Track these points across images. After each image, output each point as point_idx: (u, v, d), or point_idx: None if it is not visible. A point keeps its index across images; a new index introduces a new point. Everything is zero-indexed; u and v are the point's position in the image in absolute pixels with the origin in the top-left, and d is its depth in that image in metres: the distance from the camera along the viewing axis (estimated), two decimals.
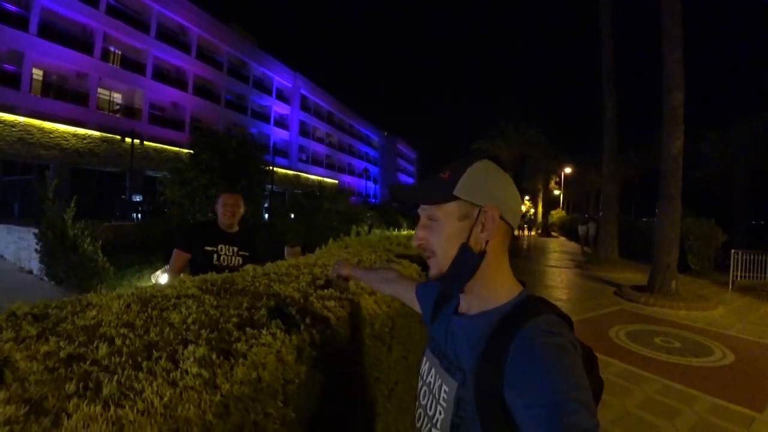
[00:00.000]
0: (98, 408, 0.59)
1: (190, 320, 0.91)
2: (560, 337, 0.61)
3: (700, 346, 5.06)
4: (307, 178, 34.88)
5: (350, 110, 53.48)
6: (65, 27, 20.01)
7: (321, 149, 45.42)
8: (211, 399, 0.70)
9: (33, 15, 18.28)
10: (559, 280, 9.98)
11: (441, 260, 0.71)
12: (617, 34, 12.06)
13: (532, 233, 31.66)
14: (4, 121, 16.22)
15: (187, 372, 0.72)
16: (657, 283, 7.82)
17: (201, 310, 0.98)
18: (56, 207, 7.13)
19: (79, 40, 20.43)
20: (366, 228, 14.31)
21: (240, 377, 0.77)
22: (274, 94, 36.78)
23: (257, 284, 1.34)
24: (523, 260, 14.00)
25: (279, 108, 37.78)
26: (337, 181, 35.52)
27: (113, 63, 22.49)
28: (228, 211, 2.56)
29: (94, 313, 0.90)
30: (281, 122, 38.42)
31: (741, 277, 9.41)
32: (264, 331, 0.91)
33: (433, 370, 0.78)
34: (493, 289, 0.72)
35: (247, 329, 0.90)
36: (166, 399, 0.65)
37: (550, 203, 38.55)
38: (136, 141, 18.07)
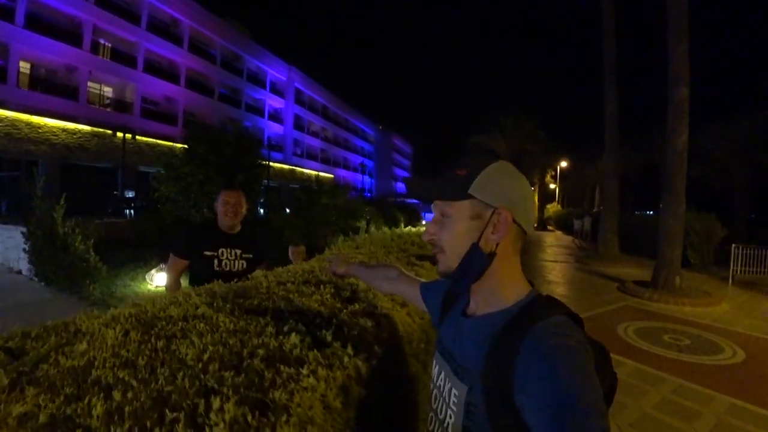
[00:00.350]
0: None
1: (206, 356, 0.72)
2: (570, 339, 0.60)
3: (710, 344, 5.01)
4: (302, 173, 34.55)
5: (345, 104, 53.03)
6: (53, 18, 19.43)
7: (316, 143, 45.00)
8: None
9: (19, 6, 17.72)
10: (561, 276, 9.88)
11: (449, 257, 0.71)
12: (619, 30, 11.90)
13: None
14: None
15: None
16: (661, 279, 7.74)
17: (217, 338, 0.80)
18: (45, 204, 6.84)
19: (68, 32, 19.88)
20: (364, 223, 14.14)
21: None
22: (268, 88, 36.27)
23: (275, 298, 1.16)
24: (522, 255, 13.88)
25: (273, 102, 37.31)
26: (332, 176, 35.25)
27: (103, 56, 21.94)
28: (230, 210, 2.31)
29: (84, 346, 0.71)
30: (276, 116, 37.96)
31: (741, 271, 9.38)
32: (303, 370, 0.73)
33: (443, 374, 0.76)
34: (502, 290, 0.71)
35: (281, 367, 0.72)
36: None
37: (547, 197, 38.56)
38: (128, 135, 17.67)
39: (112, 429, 0.51)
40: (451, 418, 0.70)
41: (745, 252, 9.44)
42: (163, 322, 0.88)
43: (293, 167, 34.75)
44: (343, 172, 49.23)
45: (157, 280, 7.31)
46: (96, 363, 0.67)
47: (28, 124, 16.69)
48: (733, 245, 9.47)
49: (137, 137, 19.39)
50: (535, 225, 32.27)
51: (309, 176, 27.73)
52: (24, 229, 7.32)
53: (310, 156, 43.16)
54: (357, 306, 1.16)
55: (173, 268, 2.30)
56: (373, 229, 13.80)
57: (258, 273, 1.90)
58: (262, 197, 13.98)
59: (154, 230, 9.86)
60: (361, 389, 0.80)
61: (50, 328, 0.84)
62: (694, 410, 3.31)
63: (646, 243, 12.61)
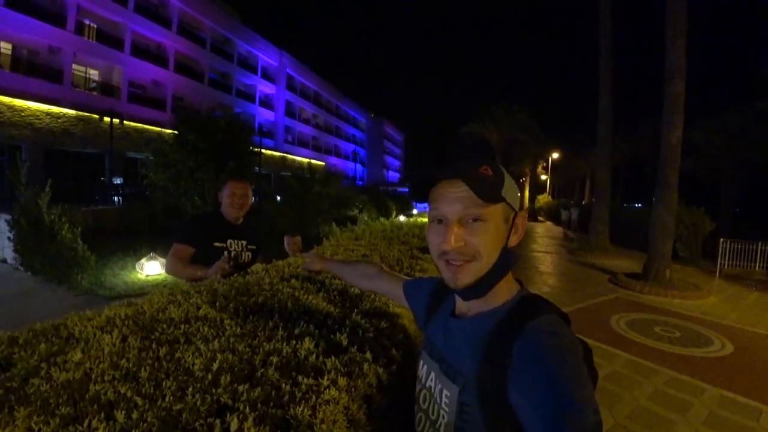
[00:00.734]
0: None
1: (215, 365, 0.66)
2: (562, 337, 0.61)
3: (700, 336, 5.11)
4: (294, 160, 34.18)
5: (337, 91, 52.37)
6: None
7: (307, 130, 44.46)
8: None
9: None
10: (552, 267, 9.97)
11: (484, 264, 0.68)
12: (616, 21, 11.83)
13: None
14: None
15: None
16: (652, 271, 7.84)
17: (224, 343, 0.74)
18: (30, 192, 6.62)
19: (51, 12, 19.11)
20: (358, 213, 14.06)
21: None
22: (259, 73, 35.55)
23: (280, 296, 1.10)
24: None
25: (264, 87, 36.62)
26: (323, 163, 34.97)
27: (88, 37, 21.19)
28: (237, 201, 2.26)
29: (78, 356, 0.64)
30: (267, 102, 37.31)
31: (728, 265, 9.55)
32: (323, 380, 0.67)
33: (432, 374, 0.76)
34: (494, 290, 0.71)
35: (299, 377, 0.66)
36: None
37: (537, 188, 38.73)
38: (116, 120, 17.21)
39: None
40: (444, 418, 0.70)
41: (732, 246, 9.60)
42: (164, 325, 0.82)
43: (284, 154, 34.36)
44: (334, 160, 48.85)
45: (148, 269, 7.18)
46: (94, 376, 0.60)
47: (11, 107, 16.13)
48: (721, 239, 9.63)
49: (125, 122, 18.89)
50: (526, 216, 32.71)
51: (300, 164, 27.46)
52: (8, 217, 7.09)
53: (302, 143, 42.67)
54: (368, 305, 1.10)
55: (177, 255, 2.17)
56: (366, 218, 13.74)
57: (257, 267, 1.84)
58: (254, 185, 13.79)
59: (144, 218, 9.67)
60: (383, 398, 0.75)
61: (39, 332, 0.77)
62: (687, 401, 3.40)
63: (634, 234, 12.78)
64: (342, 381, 0.69)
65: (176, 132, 9.35)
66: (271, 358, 0.71)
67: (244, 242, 2.29)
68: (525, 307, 0.68)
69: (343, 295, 1.17)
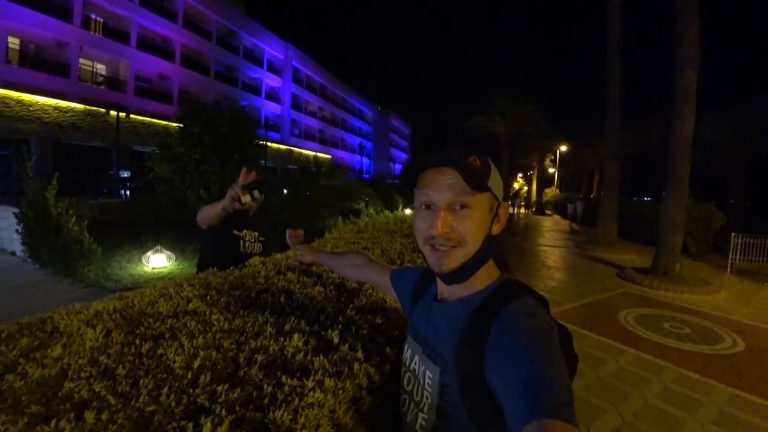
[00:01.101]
0: None
1: (197, 362, 0.63)
2: (537, 318, 0.62)
3: (710, 333, 5.01)
4: (300, 153, 34.15)
5: (343, 84, 52.08)
6: None
7: (314, 123, 44.35)
8: None
9: None
10: (560, 261, 9.88)
11: (470, 250, 0.70)
12: (624, 7, 11.56)
13: (525, 211, 31.47)
14: None
15: None
16: (661, 266, 7.71)
17: (209, 339, 0.71)
18: (37, 185, 6.67)
19: (57, 7, 19.16)
20: (363, 205, 14.03)
21: None
22: (265, 66, 35.46)
23: (274, 290, 1.07)
24: (520, 239, 13.89)
25: (270, 80, 36.54)
26: (330, 156, 34.88)
27: (95, 31, 21.26)
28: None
29: (58, 351, 0.62)
30: (273, 95, 37.24)
31: (739, 260, 9.37)
32: (308, 381, 0.64)
33: (416, 357, 0.78)
34: (475, 275, 0.73)
35: (283, 377, 0.63)
36: None
37: (545, 181, 38.34)
38: (122, 114, 17.28)
39: None
40: (427, 399, 0.72)
41: (744, 240, 9.42)
42: (151, 320, 0.79)
43: (291, 147, 34.34)
44: (341, 153, 48.75)
45: (153, 261, 7.23)
46: (70, 372, 0.57)
47: (19, 101, 16.26)
48: (733, 234, 9.44)
49: (131, 116, 18.96)
50: (534, 209, 32.37)
51: (307, 157, 27.41)
52: (17, 210, 7.17)
53: (308, 136, 42.60)
54: (364, 300, 1.07)
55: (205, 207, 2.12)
56: (372, 211, 13.71)
57: (255, 260, 1.81)
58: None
59: (150, 211, 9.72)
60: (374, 399, 0.72)
61: (24, 326, 0.75)
62: (696, 400, 3.31)
63: (642, 228, 12.59)
64: (329, 382, 0.66)
65: (181, 125, 9.36)
66: (256, 356, 0.68)
67: (257, 233, 2.35)
68: (504, 292, 0.71)
69: (340, 289, 1.14)
